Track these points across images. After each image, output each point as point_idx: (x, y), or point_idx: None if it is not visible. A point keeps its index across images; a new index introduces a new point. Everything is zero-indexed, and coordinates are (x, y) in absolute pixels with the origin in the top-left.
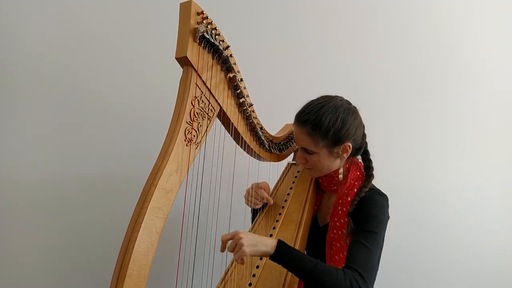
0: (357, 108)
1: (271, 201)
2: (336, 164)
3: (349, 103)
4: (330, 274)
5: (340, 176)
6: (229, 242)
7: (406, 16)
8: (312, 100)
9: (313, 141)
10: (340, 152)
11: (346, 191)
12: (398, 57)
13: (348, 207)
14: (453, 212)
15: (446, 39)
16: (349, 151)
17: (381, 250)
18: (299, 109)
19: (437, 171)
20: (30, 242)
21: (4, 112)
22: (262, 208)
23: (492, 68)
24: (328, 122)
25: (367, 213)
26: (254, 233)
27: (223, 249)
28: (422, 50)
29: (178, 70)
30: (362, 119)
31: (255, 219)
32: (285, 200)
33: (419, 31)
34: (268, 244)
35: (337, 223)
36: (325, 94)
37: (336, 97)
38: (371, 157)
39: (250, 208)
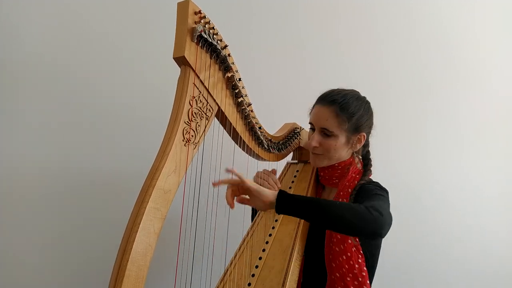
0: None
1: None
2: (345, 154)
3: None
4: (342, 203)
5: (359, 165)
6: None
7: (406, 16)
8: (333, 88)
9: (338, 122)
10: (355, 142)
11: (347, 183)
12: (397, 56)
13: (349, 197)
14: (452, 211)
15: (446, 39)
16: (362, 142)
17: (375, 253)
18: (321, 94)
19: (436, 171)
20: (28, 242)
21: (4, 111)
22: None
23: (491, 68)
24: (354, 107)
25: (368, 190)
26: (253, 233)
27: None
28: (421, 50)
29: (176, 69)
30: None
31: (255, 219)
32: None
33: (418, 31)
34: (272, 192)
35: None
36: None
37: (355, 90)
38: (370, 155)
39: (249, 207)
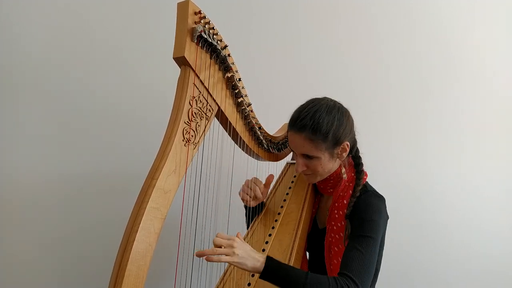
0: (347, 107)
1: (260, 196)
2: (335, 166)
3: (339, 103)
4: (323, 285)
5: (344, 175)
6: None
7: (406, 16)
8: (302, 105)
9: (315, 146)
10: (340, 152)
11: (341, 193)
12: (397, 57)
13: (345, 210)
14: (452, 212)
15: (446, 39)
16: (347, 150)
17: (378, 253)
18: (291, 116)
19: (436, 171)
20: (29, 242)
21: (3, 112)
22: (259, 209)
23: (491, 68)
24: (326, 124)
25: (363, 218)
26: (253, 233)
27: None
28: (421, 50)
29: (176, 70)
30: (359, 119)
31: (254, 220)
32: (284, 200)
33: (418, 31)
34: (259, 259)
35: (334, 227)
36: (323, 95)
37: (325, 98)
38: (360, 153)
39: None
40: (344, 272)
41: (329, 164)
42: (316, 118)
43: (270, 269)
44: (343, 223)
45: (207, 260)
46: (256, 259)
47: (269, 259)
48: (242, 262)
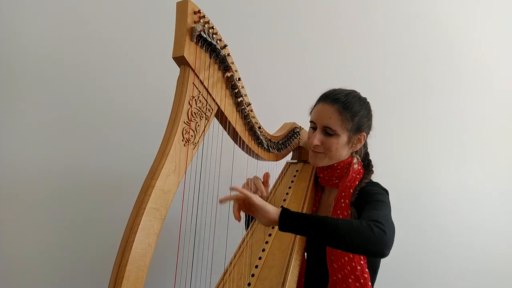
0: None
1: (264, 193)
2: (345, 153)
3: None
4: (346, 221)
5: (356, 165)
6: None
7: (408, 17)
8: (336, 88)
9: (341, 120)
10: (355, 141)
11: (348, 183)
12: (399, 57)
13: (350, 198)
14: (453, 212)
15: (448, 39)
16: (362, 142)
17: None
18: (323, 93)
19: (437, 171)
20: (28, 241)
21: (4, 110)
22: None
23: (493, 68)
24: (357, 107)
25: (369, 194)
26: (253, 233)
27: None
28: (424, 50)
29: (175, 69)
30: None
31: (254, 220)
32: (284, 200)
33: (421, 32)
34: (274, 212)
35: (340, 216)
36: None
37: (355, 90)
38: (370, 156)
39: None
40: (375, 218)
41: (343, 148)
42: (350, 98)
43: (289, 214)
44: (348, 212)
45: (221, 201)
46: (274, 212)
47: (284, 208)
48: (262, 205)
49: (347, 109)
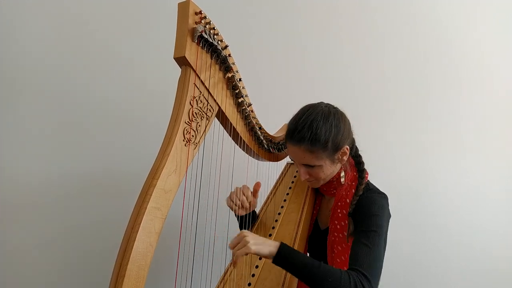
0: (346, 107)
1: (251, 201)
2: (337, 168)
3: (334, 107)
4: (334, 276)
5: (342, 179)
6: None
7: (408, 16)
8: (298, 115)
9: (315, 156)
10: (340, 157)
11: (344, 193)
12: (398, 57)
13: (348, 208)
14: (454, 212)
15: (446, 39)
16: (348, 153)
17: (385, 248)
18: (288, 129)
19: (436, 171)
20: (29, 241)
21: (4, 112)
22: (250, 220)
23: (492, 69)
24: (324, 133)
25: (367, 213)
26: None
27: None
28: (422, 51)
29: (177, 70)
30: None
31: (254, 222)
32: (284, 200)
33: (420, 30)
34: (272, 244)
35: (338, 226)
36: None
37: (319, 104)
38: (360, 152)
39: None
40: (354, 267)
41: (331, 169)
42: (314, 129)
43: (283, 253)
44: (346, 222)
45: (235, 264)
46: (270, 244)
47: (283, 244)
48: (258, 249)
49: (315, 143)
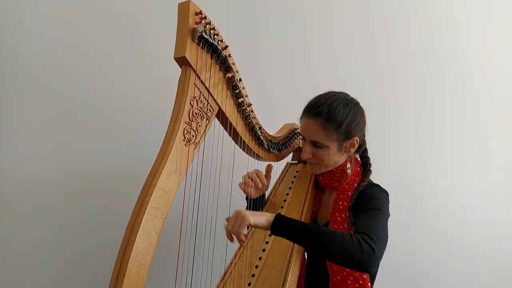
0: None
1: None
2: (341, 159)
3: (357, 100)
4: (336, 235)
5: (349, 171)
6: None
7: (412, 17)
8: (321, 95)
9: (326, 134)
10: (348, 147)
11: (347, 186)
12: (401, 57)
13: (349, 201)
14: (455, 210)
15: (449, 39)
16: (356, 146)
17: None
18: (307, 103)
19: (439, 170)
20: (29, 241)
21: (4, 111)
22: (260, 204)
23: (495, 68)
24: (341, 115)
25: (368, 198)
26: (253, 233)
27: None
28: (426, 51)
29: (177, 70)
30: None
31: None
32: (284, 200)
33: (424, 31)
34: (268, 215)
35: (338, 218)
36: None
37: (343, 92)
38: (369, 157)
39: (246, 206)
40: (359, 232)
41: (336, 156)
42: (333, 108)
43: (281, 219)
44: (346, 214)
45: (242, 242)
46: (266, 215)
47: (279, 214)
48: (256, 219)
49: (330, 121)
